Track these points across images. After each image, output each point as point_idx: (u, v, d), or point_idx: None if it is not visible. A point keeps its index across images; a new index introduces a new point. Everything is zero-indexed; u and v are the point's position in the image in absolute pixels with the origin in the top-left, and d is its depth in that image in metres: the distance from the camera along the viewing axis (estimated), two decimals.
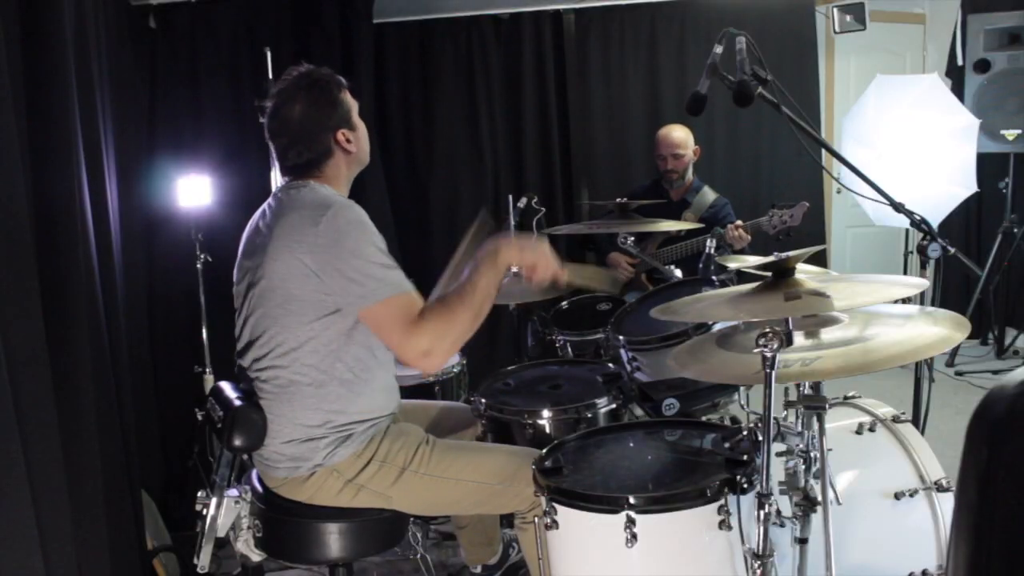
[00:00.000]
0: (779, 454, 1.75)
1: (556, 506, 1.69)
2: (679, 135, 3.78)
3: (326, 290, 1.83)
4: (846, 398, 2.21)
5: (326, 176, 1.99)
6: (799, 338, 1.67)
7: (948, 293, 5.13)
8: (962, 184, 4.32)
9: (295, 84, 1.96)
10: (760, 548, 1.53)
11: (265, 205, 2.04)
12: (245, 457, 2.29)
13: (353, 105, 2.03)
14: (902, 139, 4.33)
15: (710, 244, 2.61)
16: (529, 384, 2.44)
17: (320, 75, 1.99)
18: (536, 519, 1.81)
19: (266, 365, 1.92)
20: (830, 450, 1.72)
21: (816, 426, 1.71)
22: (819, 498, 1.69)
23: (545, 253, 1.95)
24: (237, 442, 1.88)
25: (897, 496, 1.91)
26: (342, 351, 1.89)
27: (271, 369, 1.92)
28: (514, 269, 2.96)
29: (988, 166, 4.67)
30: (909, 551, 1.91)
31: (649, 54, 4.64)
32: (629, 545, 1.58)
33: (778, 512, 1.58)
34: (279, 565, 2.47)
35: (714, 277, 2.49)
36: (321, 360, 1.88)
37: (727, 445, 1.77)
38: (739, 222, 3.39)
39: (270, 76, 3.11)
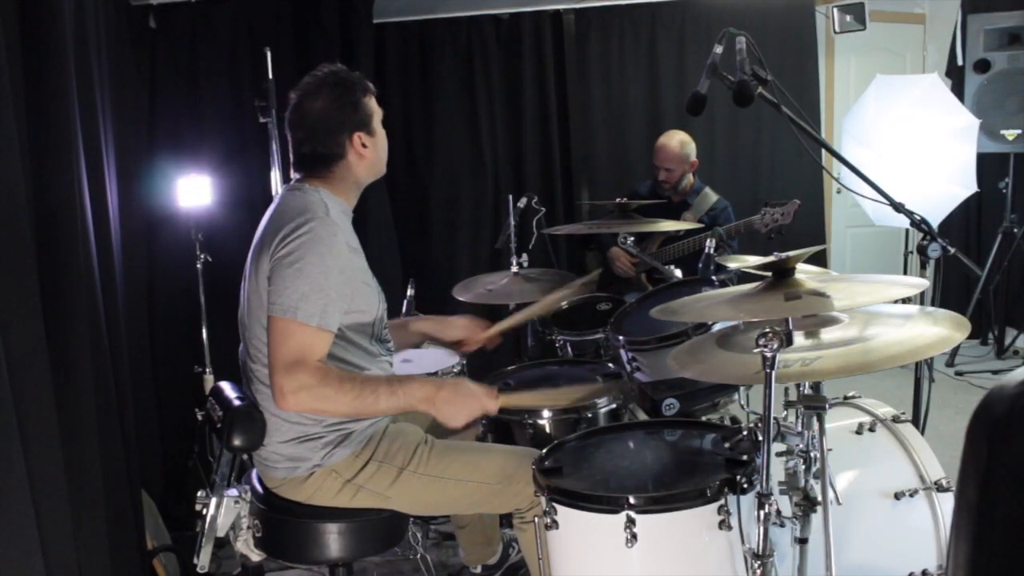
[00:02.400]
0: (779, 454, 1.75)
1: (556, 506, 1.69)
2: (674, 150, 3.72)
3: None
4: (846, 398, 2.21)
5: (334, 177, 1.99)
6: (799, 338, 1.67)
7: (948, 293, 5.13)
8: (962, 184, 4.32)
9: (322, 80, 1.97)
10: (760, 548, 1.53)
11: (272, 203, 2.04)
12: (245, 457, 2.29)
13: (376, 112, 2.03)
14: (902, 139, 4.32)
15: (710, 244, 2.61)
16: (529, 384, 2.44)
17: (348, 76, 1.99)
18: (536, 519, 1.81)
19: (263, 364, 1.92)
20: (830, 450, 1.73)
21: (816, 426, 1.71)
22: (819, 498, 1.69)
23: (465, 417, 1.90)
24: (237, 442, 1.88)
25: (897, 496, 1.91)
26: (335, 350, 1.88)
27: (268, 368, 1.91)
28: (521, 270, 2.98)
29: (988, 166, 4.67)
30: (909, 551, 1.91)
31: (649, 54, 4.64)
32: (629, 545, 1.58)
33: (778, 512, 1.58)
34: (279, 565, 2.47)
35: (714, 277, 2.49)
36: None
37: (727, 445, 1.77)
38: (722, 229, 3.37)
39: (270, 76, 3.10)
